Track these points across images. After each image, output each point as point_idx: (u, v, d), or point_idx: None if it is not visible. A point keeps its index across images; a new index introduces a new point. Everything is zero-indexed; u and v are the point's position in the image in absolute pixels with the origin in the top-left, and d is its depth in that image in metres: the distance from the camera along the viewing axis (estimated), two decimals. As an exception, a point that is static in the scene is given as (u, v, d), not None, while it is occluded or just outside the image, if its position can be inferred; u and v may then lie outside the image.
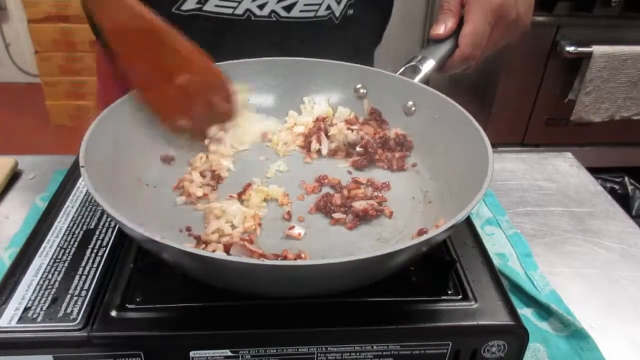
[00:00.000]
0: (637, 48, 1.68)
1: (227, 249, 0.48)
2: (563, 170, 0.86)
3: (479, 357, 0.46)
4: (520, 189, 0.81)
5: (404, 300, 0.47)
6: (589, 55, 1.67)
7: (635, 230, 0.72)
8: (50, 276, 0.48)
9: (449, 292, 0.49)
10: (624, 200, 1.45)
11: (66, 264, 0.50)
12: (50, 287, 0.47)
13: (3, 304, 0.45)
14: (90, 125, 0.53)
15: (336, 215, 0.55)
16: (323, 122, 0.67)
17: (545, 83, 1.80)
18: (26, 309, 0.45)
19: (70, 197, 0.59)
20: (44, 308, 0.45)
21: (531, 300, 0.58)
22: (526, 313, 0.57)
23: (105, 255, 0.51)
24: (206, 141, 0.64)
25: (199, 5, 0.71)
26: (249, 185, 0.59)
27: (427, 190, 0.60)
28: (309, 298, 0.46)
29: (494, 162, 0.50)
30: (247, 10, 0.72)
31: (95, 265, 0.50)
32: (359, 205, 0.55)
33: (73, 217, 0.56)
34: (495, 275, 0.51)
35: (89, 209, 0.57)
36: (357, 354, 0.45)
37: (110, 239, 0.53)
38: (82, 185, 0.61)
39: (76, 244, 0.52)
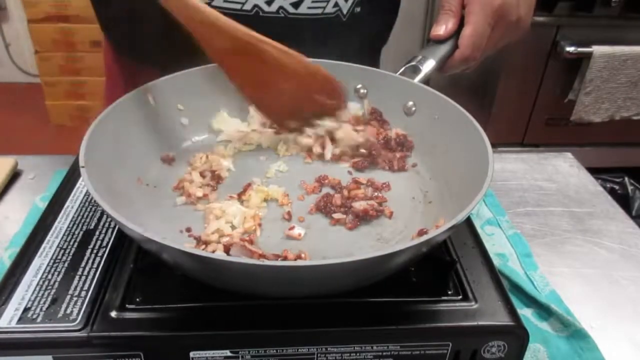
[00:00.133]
0: (637, 48, 1.68)
1: (227, 249, 0.48)
2: (563, 170, 0.86)
3: (479, 358, 0.46)
4: (520, 189, 0.81)
5: (404, 301, 0.47)
6: (589, 55, 1.67)
7: (635, 230, 0.72)
8: (50, 276, 0.48)
9: (449, 292, 0.49)
10: (624, 200, 1.44)
11: (66, 265, 0.50)
12: (50, 287, 0.47)
13: (3, 304, 0.45)
14: (90, 125, 0.53)
15: (336, 216, 0.55)
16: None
17: (545, 83, 1.80)
18: (26, 310, 0.45)
19: (70, 197, 0.59)
20: (44, 308, 0.45)
21: (531, 301, 0.58)
22: (526, 313, 0.57)
23: (105, 255, 0.51)
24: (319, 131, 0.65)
25: (207, 1, 0.71)
26: (249, 185, 0.59)
27: (427, 190, 0.60)
28: (309, 298, 0.46)
29: (494, 162, 0.50)
30: (255, 6, 0.72)
31: (95, 265, 0.50)
32: (359, 205, 0.55)
33: (73, 217, 0.56)
34: (495, 276, 0.51)
35: (89, 209, 0.57)
36: (357, 354, 0.45)
37: (110, 239, 0.53)
38: (82, 185, 0.61)
39: (76, 244, 0.52)
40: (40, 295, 0.46)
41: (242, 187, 0.59)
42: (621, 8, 1.67)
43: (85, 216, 0.56)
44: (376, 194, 0.59)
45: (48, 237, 0.53)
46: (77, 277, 0.48)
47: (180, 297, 0.46)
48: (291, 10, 0.74)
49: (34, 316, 0.44)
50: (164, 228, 0.54)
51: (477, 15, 0.65)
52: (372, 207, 0.55)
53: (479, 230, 0.57)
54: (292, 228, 0.54)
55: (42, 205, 0.68)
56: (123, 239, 0.53)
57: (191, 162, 0.63)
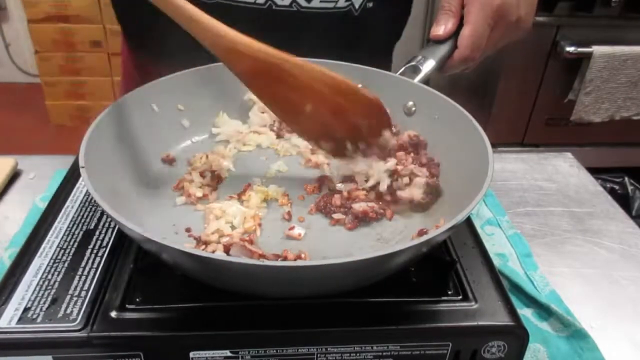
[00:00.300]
0: (637, 48, 1.68)
1: (227, 249, 0.48)
2: (563, 170, 0.86)
3: (479, 358, 0.46)
4: (520, 189, 0.81)
5: (404, 301, 0.47)
6: (589, 55, 1.67)
7: (635, 230, 0.72)
8: (50, 276, 0.48)
9: (449, 292, 0.49)
10: (624, 200, 1.44)
11: (66, 265, 0.50)
12: (50, 287, 0.47)
13: (3, 304, 0.45)
14: (90, 125, 0.53)
15: (336, 216, 0.55)
16: None
17: (545, 83, 1.80)
18: (26, 310, 0.45)
19: (70, 197, 0.59)
20: (44, 308, 0.45)
21: (531, 301, 0.58)
22: (526, 313, 0.57)
23: (105, 255, 0.51)
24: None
25: None
26: (249, 185, 0.59)
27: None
28: (309, 298, 0.46)
29: (494, 162, 0.50)
30: None
31: (95, 265, 0.50)
32: (358, 207, 0.55)
33: (73, 217, 0.56)
34: (495, 276, 0.51)
35: (88, 209, 0.57)
36: (357, 354, 0.45)
37: (110, 239, 0.53)
38: (82, 185, 0.61)
39: (76, 244, 0.52)
40: (40, 295, 0.46)
41: (242, 187, 0.59)
42: (621, 8, 1.67)
43: (85, 216, 0.56)
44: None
45: (48, 237, 0.53)
46: (77, 277, 0.48)
47: (180, 297, 0.46)
48: (304, 3, 0.74)
49: (34, 316, 0.44)
50: (164, 228, 0.54)
51: (476, 15, 0.65)
52: (371, 209, 0.55)
53: (479, 230, 0.57)
54: (292, 228, 0.54)
55: (42, 205, 0.68)
56: (123, 239, 0.53)
57: (191, 162, 0.63)
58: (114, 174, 0.54)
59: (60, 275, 0.48)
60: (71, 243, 0.52)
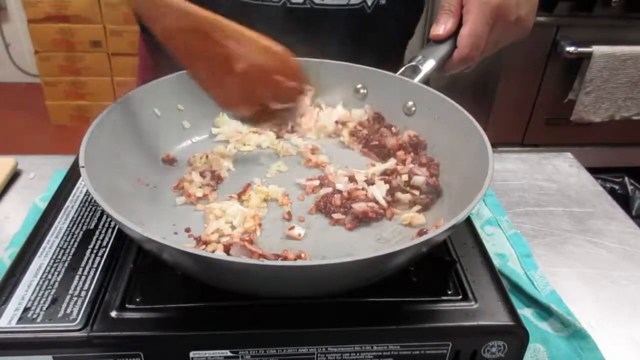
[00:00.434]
0: (637, 48, 1.68)
1: (227, 249, 0.48)
2: (563, 170, 0.86)
3: (479, 358, 0.46)
4: (520, 189, 0.81)
5: (404, 301, 0.47)
6: (589, 55, 1.67)
7: (635, 230, 0.72)
8: (50, 276, 0.48)
9: (449, 292, 0.49)
10: (624, 200, 1.44)
11: (66, 264, 0.50)
12: (50, 287, 0.47)
13: (3, 304, 0.45)
14: (90, 125, 0.53)
15: (336, 216, 0.55)
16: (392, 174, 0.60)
17: (545, 83, 1.80)
18: (26, 309, 0.45)
19: (70, 197, 0.59)
20: (44, 308, 0.45)
21: (531, 301, 0.58)
22: (526, 313, 0.57)
23: (105, 255, 0.51)
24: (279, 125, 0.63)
25: None
26: (249, 185, 0.59)
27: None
28: (309, 298, 0.46)
29: (494, 162, 0.50)
30: None
31: (95, 265, 0.50)
32: (358, 207, 0.55)
33: (73, 217, 0.56)
34: (495, 276, 0.51)
35: (89, 209, 0.57)
36: (357, 354, 0.45)
37: (110, 239, 0.53)
38: (82, 185, 0.61)
39: (76, 244, 0.52)
40: (40, 295, 0.46)
41: (242, 187, 0.59)
42: (621, 8, 1.67)
43: (85, 216, 0.56)
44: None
45: (48, 237, 0.53)
46: (77, 277, 0.48)
47: (180, 297, 0.46)
48: (317, 0, 0.74)
49: (34, 316, 0.44)
50: (164, 228, 0.54)
51: (475, 15, 0.65)
52: (371, 209, 0.55)
53: (479, 230, 0.57)
54: (292, 228, 0.54)
55: (42, 205, 0.68)
56: (123, 239, 0.53)
57: (191, 162, 0.63)
58: (114, 174, 0.54)
59: (60, 275, 0.48)
60: (71, 243, 0.52)
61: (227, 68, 0.56)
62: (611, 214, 0.76)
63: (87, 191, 0.60)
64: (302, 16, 0.75)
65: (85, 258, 0.50)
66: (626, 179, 1.47)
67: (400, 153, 0.63)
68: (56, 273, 0.49)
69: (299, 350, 0.45)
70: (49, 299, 0.46)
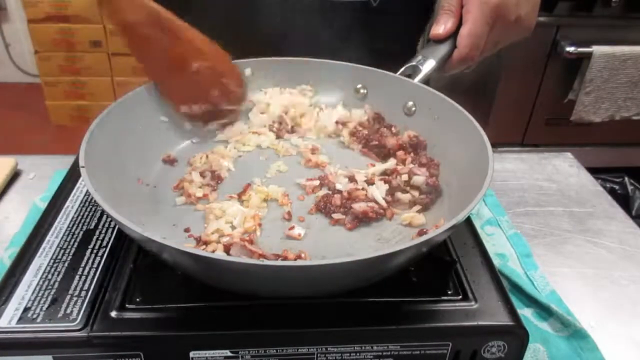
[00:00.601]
0: (637, 48, 1.68)
1: (227, 249, 0.48)
2: (563, 170, 0.86)
3: (479, 358, 0.46)
4: (520, 189, 0.81)
5: (404, 301, 0.47)
6: (589, 55, 1.67)
7: (635, 230, 0.72)
8: (50, 276, 0.48)
9: (449, 292, 0.49)
10: (624, 200, 1.44)
11: (66, 264, 0.50)
12: (50, 287, 0.47)
13: (3, 304, 0.45)
14: (90, 125, 0.53)
15: (336, 216, 0.55)
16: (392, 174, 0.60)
17: (545, 83, 1.80)
18: (26, 309, 0.45)
19: (70, 197, 0.59)
20: (44, 308, 0.45)
21: (531, 301, 0.58)
22: (526, 313, 0.57)
23: (105, 255, 0.51)
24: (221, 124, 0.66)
25: None
26: (249, 185, 0.59)
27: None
28: (309, 298, 0.46)
29: (494, 162, 0.50)
30: None
31: (95, 265, 0.50)
32: (358, 207, 0.55)
33: (73, 217, 0.56)
34: (495, 276, 0.51)
35: (89, 209, 0.57)
36: (357, 354, 0.45)
37: (110, 239, 0.53)
38: (82, 185, 0.61)
39: (76, 244, 0.52)
40: (40, 295, 0.46)
41: (242, 187, 0.59)
42: (621, 8, 1.67)
43: (85, 216, 0.56)
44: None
45: (48, 237, 0.53)
46: (77, 277, 0.48)
47: (180, 297, 0.46)
48: None
49: (34, 316, 0.44)
50: (164, 228, 0.54)
51: (474, 14, 0.64)
52: (371, 209, 0.55)
53: (479, 230, 0.57)
54: (292, 228, 0.54)
55: (42, 205, 0.68)
56: (123, 239, 0.53)
57: (191, 162, 0.63)
58: (114, 174, 0.54)
59: (60, 275, 0.48)
60: (71, 243, 0.52)
61: (181, 67, 0.60)
62: (611, 214, 0.76)
63: (87, 191, 0.60)
64: (308, 9, 0.74)
65: (85, 258, 0.50)
66: (626, 179, 1.47)
67: (400, 153, 0.63)
68: (56, 273, 0.49)
69: (299, 350, 0.45)
70: (49, 299, 0.46)
